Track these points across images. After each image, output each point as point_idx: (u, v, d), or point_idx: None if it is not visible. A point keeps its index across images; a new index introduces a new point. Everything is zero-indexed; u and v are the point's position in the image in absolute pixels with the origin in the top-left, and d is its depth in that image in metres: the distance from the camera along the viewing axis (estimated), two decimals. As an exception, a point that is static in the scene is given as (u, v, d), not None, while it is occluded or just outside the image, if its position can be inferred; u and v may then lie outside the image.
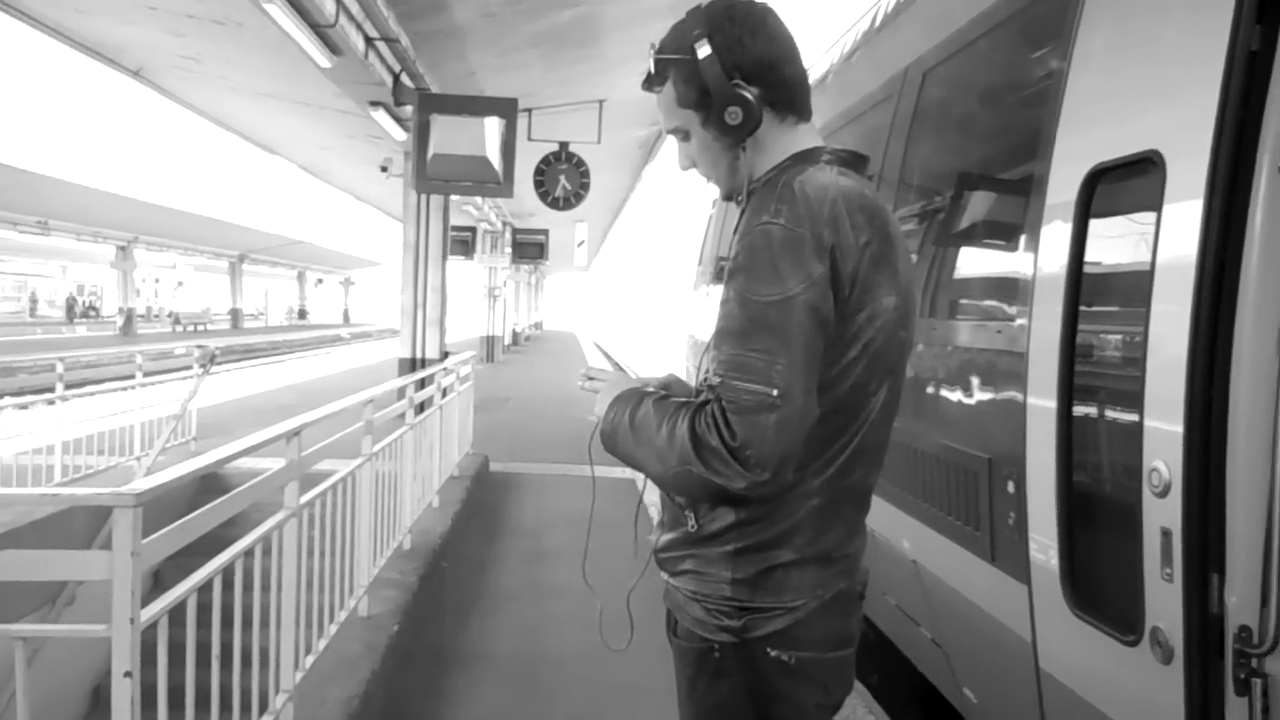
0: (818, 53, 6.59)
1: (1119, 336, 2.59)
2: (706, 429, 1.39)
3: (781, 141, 1.59)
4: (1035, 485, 2.81)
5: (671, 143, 1.70)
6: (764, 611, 1.51)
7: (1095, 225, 2.63)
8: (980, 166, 3.88)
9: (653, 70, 1.61)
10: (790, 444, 1.37)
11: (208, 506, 2.27)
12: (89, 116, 27.14)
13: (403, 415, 5.30)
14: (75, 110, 26.69)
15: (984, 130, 3.86)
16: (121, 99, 24.72)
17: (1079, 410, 2.65)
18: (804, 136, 1.61)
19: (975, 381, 3.41)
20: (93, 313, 55.82)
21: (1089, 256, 2.63)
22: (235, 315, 47.19)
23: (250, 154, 18.17)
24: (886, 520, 4.21)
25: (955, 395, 3.56)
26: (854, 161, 1.59)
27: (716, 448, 1.37)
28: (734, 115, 1.53)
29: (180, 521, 2.09)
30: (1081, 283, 2.64)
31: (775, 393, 1.35)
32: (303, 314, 63.80)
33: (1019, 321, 3.01)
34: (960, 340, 3.57)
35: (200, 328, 46.05)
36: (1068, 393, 2.65)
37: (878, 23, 5.20)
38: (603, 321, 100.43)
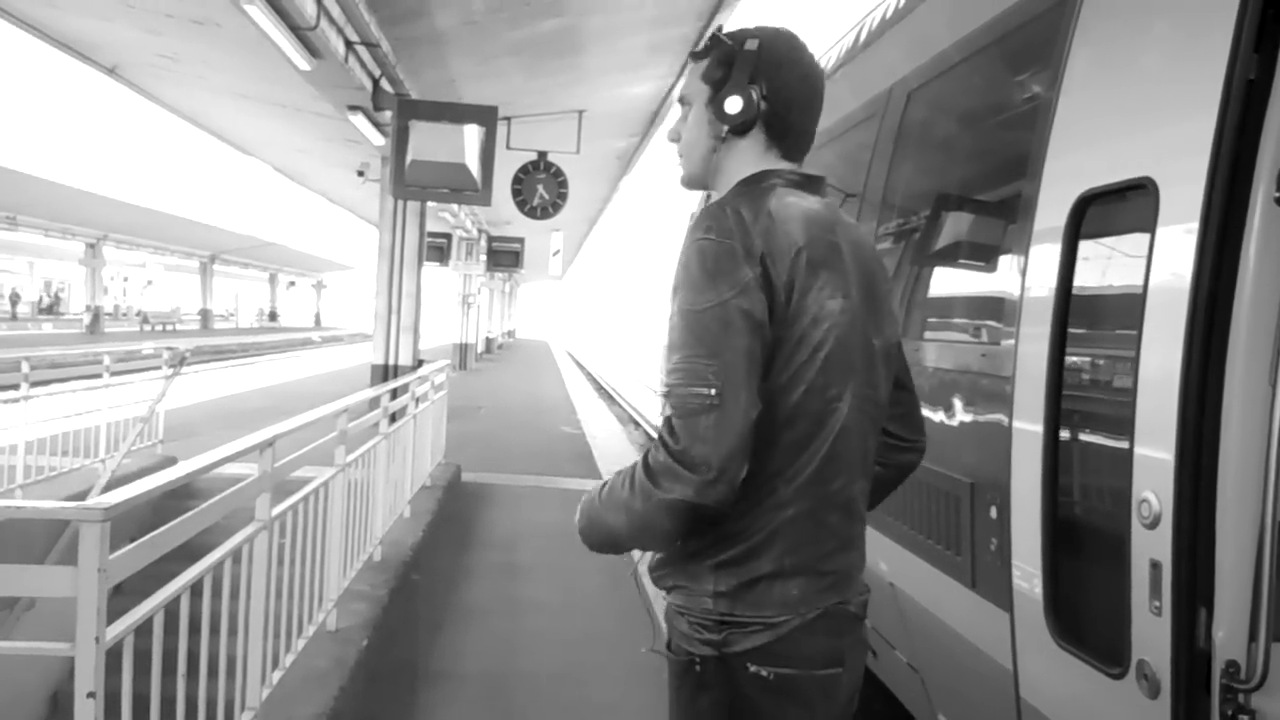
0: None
1: (1108, 363, 2.58)
2: (655, 449, 1.44)
3: (754, 161, 1.67)
4: (1020, 512, 2.78)
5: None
6: (744, 626, 1.50)
7: (1085, 250, 2.61)
8: (965, 189, 3.87)
9: (708, 44, 1.71)
10: (733, 440, 1.39)
11: (179, 520, 2.19)
12: (60, 111, 26.78)
13: (376, 424, 5.22)
14: (46, 105, 26.33)
15: (969, 152, 3.84)
16: (95, 95, 24.41)
17: (1066, 436, 2.63)
18: (774, 167, 1.68)
19: (958, 404, 3.39)
20: (45, 310, 54.62)
21: (1078, 281, 2.62)
22: (205, 316, 46.68)
23: (225, 154, 18.04)
24: (863, 541, 4.17)
25: (937, 417, 3.54)
26: (806, 183, 1.66)
27: (664, 461, 1.42)
28: (734, 104, 1.63)
29: (149, 536, 2.02)
30: (1070, 308, 2.62)
31: (713, 392, 1.40)
32: (273, 316, 63.23)
33: (1004, 344, 2.99)
34: (943, 362, 3.55)
35: (169, 328, 45.50)
36: (1054, 418, 2.63)
37: (860, 40, 5.18)
38: (576, 331, 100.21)
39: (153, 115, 14.13)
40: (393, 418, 6.22)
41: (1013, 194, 3.11)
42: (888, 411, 1.73)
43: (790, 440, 1.50)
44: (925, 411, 3.69)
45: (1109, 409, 2.50)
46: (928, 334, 3.81)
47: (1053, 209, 2.72)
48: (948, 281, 3.91)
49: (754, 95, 1.61)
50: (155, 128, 24.90)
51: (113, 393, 8.16)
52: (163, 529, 2.09)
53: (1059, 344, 2.62)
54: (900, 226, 4.31)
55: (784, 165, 1.67)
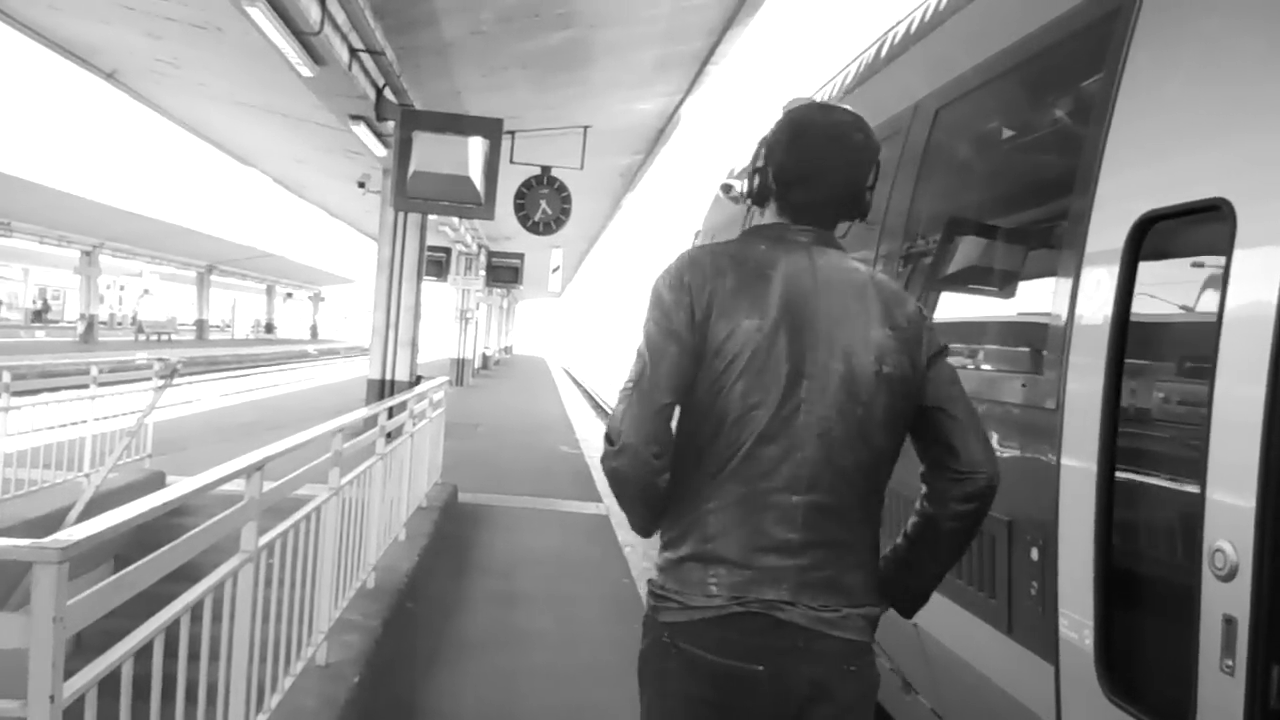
0: (814, 87, 6.42)
1: (1175, 396, 2.37)
2: None
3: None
4: (1069, 555, 2.58)
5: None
6: (667, 599, 1.75)
7: (1146, 274, 2.41)
8: (998, 210, 3.68)
9: None
10: (637, 420, 1.72)
11: (151, 557, 1.96)
12: (57, 116, 26.56)
13: (373, 443, 4.98)
14: (43, 109, 26.12)
15: (1005, 171, 3.66)
16: (93, 101, 24.21)
17: (1125, 476, 2.42)
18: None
19: (993, 436, 3.18)
20: (34, 316, 53.92)
21: (1137, 308, 2.41)
22: (201, 326, 46.43)
23: (223, 163, 17.85)
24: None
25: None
26: (780, 231, 1.90)
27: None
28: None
29: (114, 578, 1.78)
30: (1127, 335, 2.41)
31: (631, 384, 1.76)
32: (270, 328, 62.94)
33: (1048, 373, 2.79)
34: (973, 392, 3.34)
35: (164, 337, 45.26)
36: (1109, 455, 2.43)
37: (882, 55, 5.01)
38: (573, 347, 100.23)
39: (151, 123, 13.98)
40: (389, 436, 6.00)
41: (1058, 215, 2.92)
42: (868, 432, 1.78)
43: (712, 439, 1.74)
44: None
45: (1176, 448, 2.30)
46: (953, 362, 3.62)
47: (1108, 230, 2.52)
48: (976, 307, 3.71)
49: (758, 180, 1.95)
50: (154, 135, 24.73)
51: (100, 404, 7.94)
52: (131, 568, 1.86)
53: (1115, 373, 2.42)
54: (924, 251, 4.13)
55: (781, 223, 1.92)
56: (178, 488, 2.19)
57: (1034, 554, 2.81)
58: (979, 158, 3.83)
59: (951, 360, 2.01)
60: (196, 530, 2.26)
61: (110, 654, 1.81)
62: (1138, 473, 2.44)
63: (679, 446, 1.77)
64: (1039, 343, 2.92)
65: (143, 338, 43.71)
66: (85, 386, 7.84)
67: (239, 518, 2.58)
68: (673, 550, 1.77)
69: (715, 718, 1.72)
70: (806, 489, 1.71)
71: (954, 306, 4.00)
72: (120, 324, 54.43)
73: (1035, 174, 3.42)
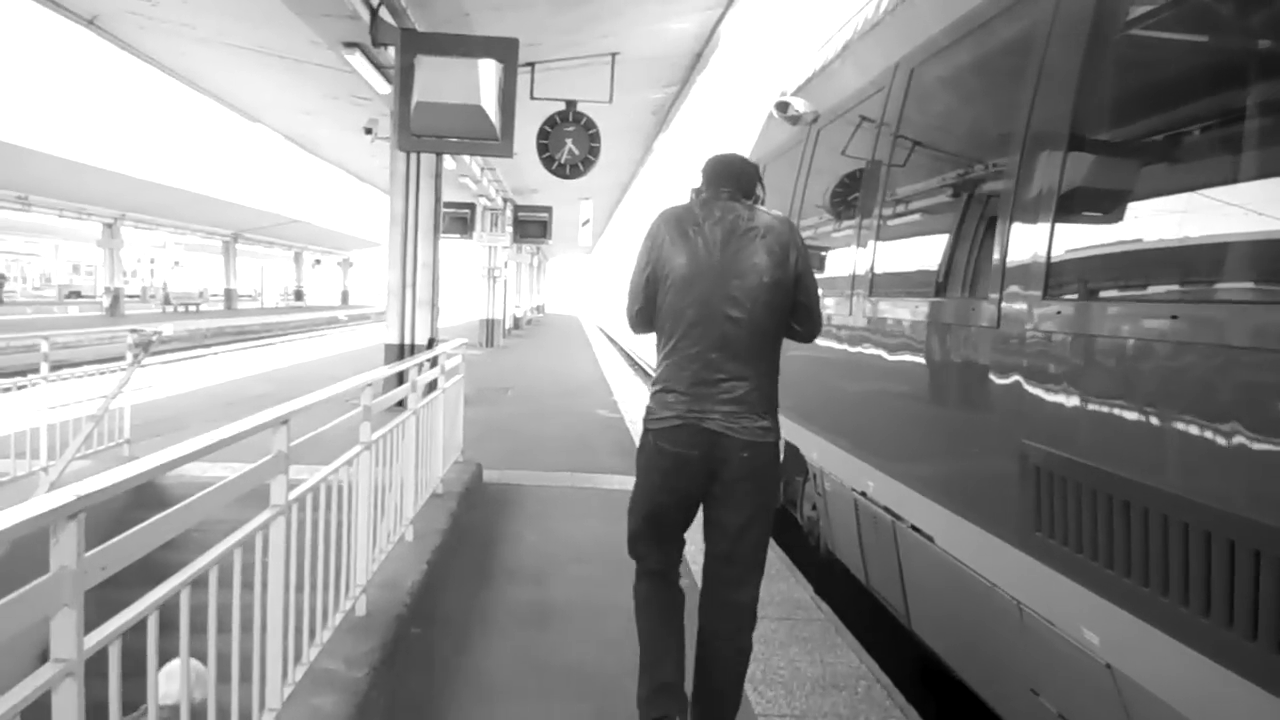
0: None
1: None
2: None
3: None
4: None
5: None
6: (651, 414, 3.15)
7: None
8: (1200, 84, 2.49)
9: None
10: (629, 317, 3.36)
11: None
12: (71, 86, 25.75)
13: (356, 429, 3.86)
14: (57, 79, 25.32)
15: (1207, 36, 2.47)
16: (104, 67, 23.36)
17: None
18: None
19: (1247, 402, 2.05)
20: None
21: None
22: (229, 296, 45.90)
23: (235, 124, 16.85)
24: (1046, 590, 2.92)
25: (1197, 421, 2.22)
26: (706, 195, 3.31)
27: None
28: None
29: None
30: None
31: (628, 302, 3.35)
32: (299, 295, 62.51)
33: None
34: (1206, 335, 2.22)
35: (192, 308, 44.92)
36: None
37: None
38: (607, 306, 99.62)
39: (159, 86, 13.05)
40: (400, 404, 4.93)
41: None
42: (757, 317, 3.10)
43: (667, 325, 3.14)
44: (1162, 410, 2.47)
45: None
46: (1160, 297, 2.49)
47: None
48: (1203, 214, 2.52)
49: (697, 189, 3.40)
50: (162, 100, 23.97)
51: (72, 386, 6.95)
52: None
53: None
54: (1104, 146, 3.00)
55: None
56: None
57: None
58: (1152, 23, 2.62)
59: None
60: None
61: None
62: None
63: (657, 330, 3.23)
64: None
65: (170, 309, 43.28)
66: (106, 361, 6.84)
67: (40, 600, 1.44)
68: (654, 387, 3.16)
69: (670, 482, 3.14)
70: (719, 350, 3.06)
71: (1109, 232, 2.84)
72: (153, 297, 54.19)
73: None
